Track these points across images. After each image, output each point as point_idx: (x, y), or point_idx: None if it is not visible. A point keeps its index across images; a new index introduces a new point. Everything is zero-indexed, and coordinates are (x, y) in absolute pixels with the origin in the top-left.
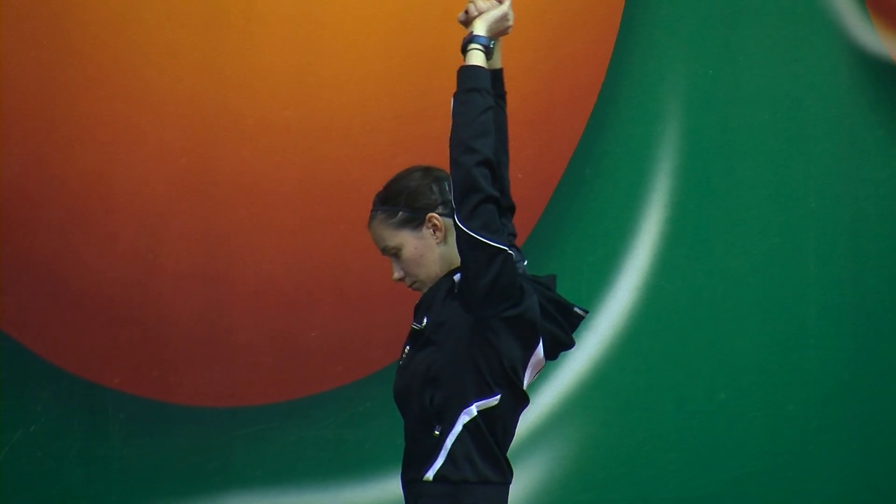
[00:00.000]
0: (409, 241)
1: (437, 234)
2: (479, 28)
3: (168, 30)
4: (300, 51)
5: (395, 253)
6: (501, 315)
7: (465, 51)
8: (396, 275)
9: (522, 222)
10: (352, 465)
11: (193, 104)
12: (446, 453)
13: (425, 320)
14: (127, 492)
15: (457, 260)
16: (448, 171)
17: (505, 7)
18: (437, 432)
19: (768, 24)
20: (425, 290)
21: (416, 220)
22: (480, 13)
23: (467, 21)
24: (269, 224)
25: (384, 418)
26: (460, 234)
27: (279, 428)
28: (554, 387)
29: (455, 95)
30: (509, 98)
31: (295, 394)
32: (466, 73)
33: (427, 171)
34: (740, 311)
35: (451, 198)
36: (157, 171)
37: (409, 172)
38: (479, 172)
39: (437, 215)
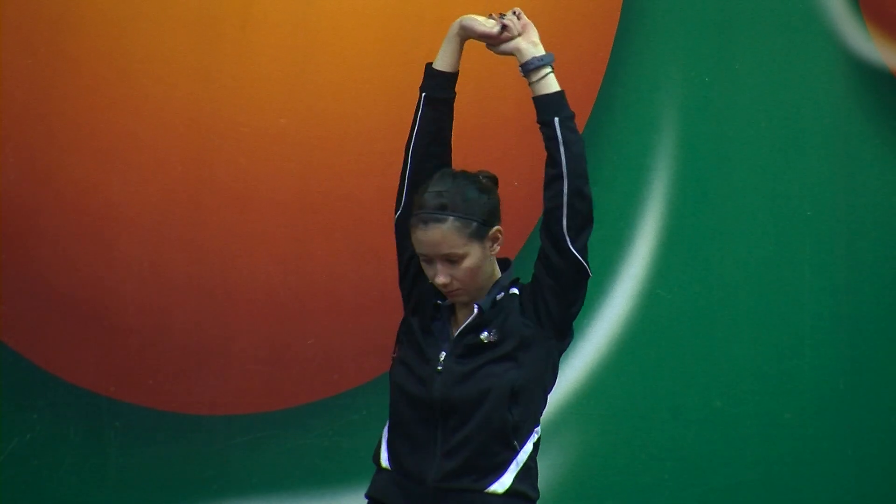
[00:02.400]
0: (476, 252)
1: (496, 246)
2: (540, 47)
3: (164, 38)
4: (295, 59)
5: (454, 260)
6: (573, 337)
7: (535, 75)
8: (443, 279)
9: (519, 230)
10: (347, 474)
11: (189, 112)
12: (518, 468)
13: (493, 333)
14: (122, 500)
15: (496, 272)
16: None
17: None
18: (515, 444)
19: (764, 32)
20: (465, 298)
21: (485, 231)
22: (520, 33)
23: (501, 40)
24: (264, 232)
25: (379, 426)
26: (571, 263)
27: (274, 436)
28: (549, 395)
29: (561, 121)
30: (506, 104)
31: (290, 402)
32: (564, 100)
33: (485, 179)
34: (736, 319)
35: (567, 226)
36: (153, 179)
37: (474, 179)
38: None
39: (500, 228)
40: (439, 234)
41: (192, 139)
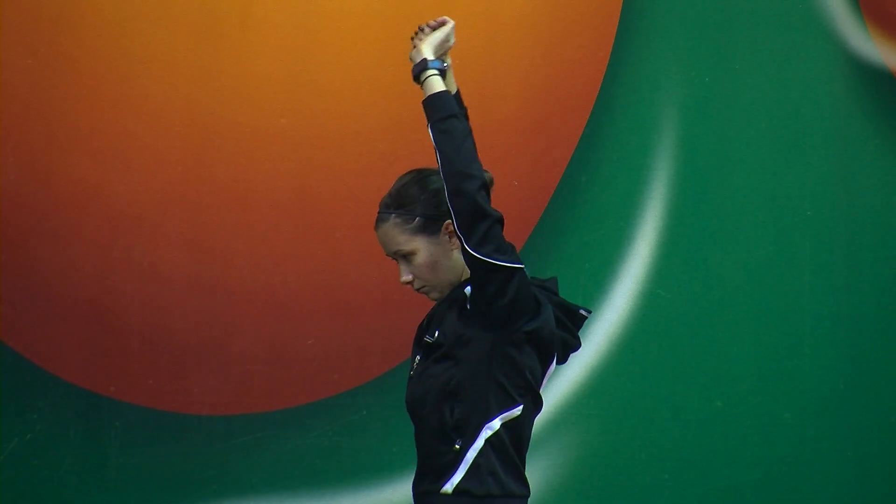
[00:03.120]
0: (425, 247)
1: (453, 240)
2: (427, 52)
3: (163, 39)
4: (295, 59)
5: (406, 257)
6: (523, 329)
7: (420, 80)
8: (405, 278)
9: (519, 230)
10: (347, 474)
11: (189, 112)
12: (467, 467)
13: (437, 333)
14: (122, 500)
15: (467, 269)
16: None
17: (448, 28)
18: (457, 446)
19: (764, 32)
20: (435, 295)
21: (433, 226)
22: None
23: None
24: (264, 232)
25: (379, 427)
26: (474, 261)
27: (275, 436)
28: (550, 395)
29: (433, 125)
30: (506, 104)
31: (290, 402)
32: (438, 102)
33: (431, 177)
34: (736, 319)
35: (456, 226)
36: (153, 179)
37: (422, 176)
38: (482, 197)
39: (452, 221)
40: (383, 232)
41: (192, 139)
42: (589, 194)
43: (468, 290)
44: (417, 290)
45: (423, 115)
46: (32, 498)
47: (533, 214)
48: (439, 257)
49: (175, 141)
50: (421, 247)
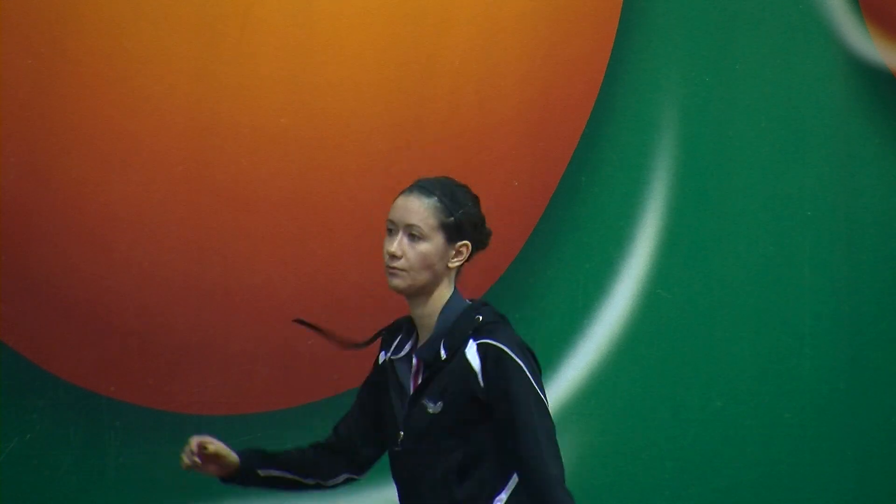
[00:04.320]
0: (437, 242)
1: (456, 259)
2: None
3: (164, 38)
4: (295, 59)
5: (415, 236)
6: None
7: None
8: (395, 248)
9: (519, 230)
10: None
11: (189, 112)
12: None
13: (440, 404)
14: (122, 500)
15: (444, 297)
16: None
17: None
18: None
19: (764, 32)
20: (400, 283)
21: (455, 235)
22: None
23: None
24: (264, 232)
25: None
26: None
27: (275, 436)
28: (550, 395)
29: None
30: (506, 105)
31: (291, 402)
32: None
33: (479, 203)
34: (736, 319)
35: None
36: (153, 179)
37: (469, 191)
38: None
39: (469, 246)
40: (416, 204)
41: (192, 139)
42: (589, 194)
43: (475, 363)
44: (393, 267)
45: (423, 114)
46: (32, 498)
47: (533, 214)
48: (437, 261)
49: (175, 141)
50: (435, 240)
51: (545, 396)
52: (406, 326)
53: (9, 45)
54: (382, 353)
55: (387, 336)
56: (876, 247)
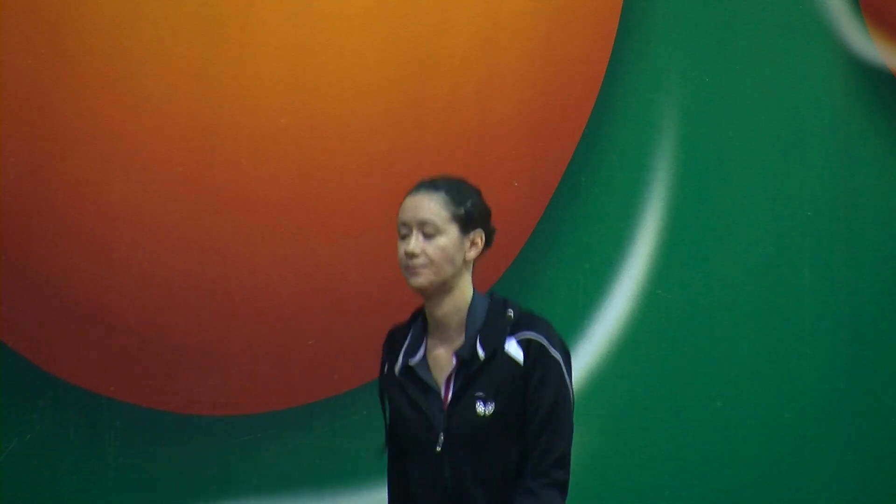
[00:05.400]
0: (452, 234)
1: (472, 249)
2: None
3: (164, 39)
4: (296, 59)
5: (428, 232)
6: None
7: None
8: (414, 247)
9: (519, 230)
10: (347, 474)
11: (189, 112)
12: None
13: (492, 405)
14: (122, 500)
15: (468, 290)
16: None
17: None
18: None
19: (765, 33)
20: (422, 281)
21: (468, 226)
22: None
23: None
24: (264, 232)
25: (379, 427)
26: None
27: (275, 436)
28: None
29: None
30: (507, 104)
31: (291, 402)
32: None
33: (481, 194)
34: (736, 320)
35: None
36: (153, 179)
37: (470, 185)
38: None
39: (482, 236)
40: (426, 201)
41: (192, 139)
42: (589, 194)
43: (517, 355)
44: (413, 265)
45: (423, 114)
46: (32, 498)
47: (533, 214)
48: (455, 253)
49: (175, 141)
50: (451, 232)
51: (573, 394)
52: (415, 329)
53: (9, 45)
54: (400, 358)
55: (389, 342)
56: (876, 247)
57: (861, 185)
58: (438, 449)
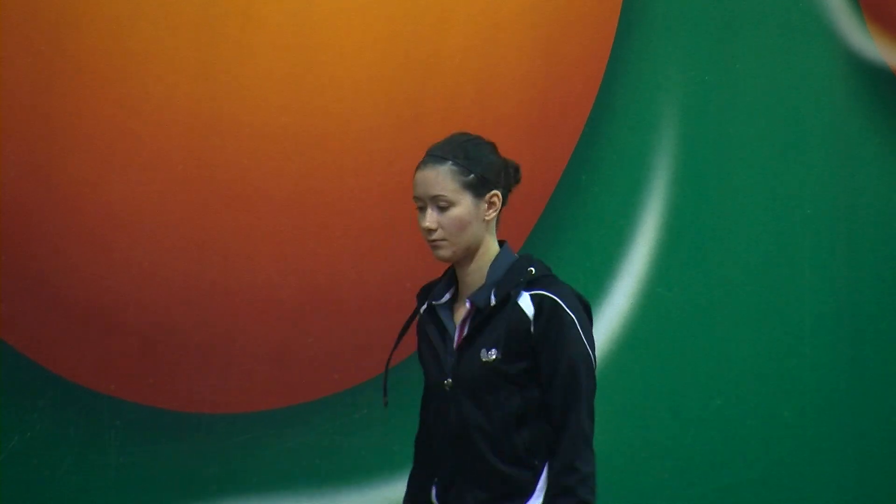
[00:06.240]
0: (467, 204)
1: (491, 210)
2: None
3: (165, 38)
4: (296, 58)
5: (442, 206)
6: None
7: None
8: (430, 223)
9: (519, 228)
10: (348, 472)
11: (190, 111)
12: (543, 491)
13: (494, 351)
14: (123, 498)
15: (492, 247)
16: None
17: None
18: (536, 462)
19: (765, 31)
20: (445, 253)
21: (482, 189)
22: None
23: None
24: (265, 231)
25: (380, 425)
26: None
27: (275, 435)
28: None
29: None
30: (506, 104)
31: (291, 401)
32: None
33: (496, 148)
34: (736, 318)
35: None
36: (154, 178)
37: (481, 141)
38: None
39: (499, 194)
40: (433, 174)
41: (192, 138)
42: (589, 193)
43: (529, 311)
44: (433, 240)
45: (423, 113)
46: (33, 496)
47: (533, 213)
48: (472, 219)
49: (176, 140)
50: (463, 201)
51: (594, 354)
52: (445, 278)
53: (9, 44)
54: (425, 304)
55: (422, 292)
56: (876, 246)
57: (861, 184)
58: (447, 391)
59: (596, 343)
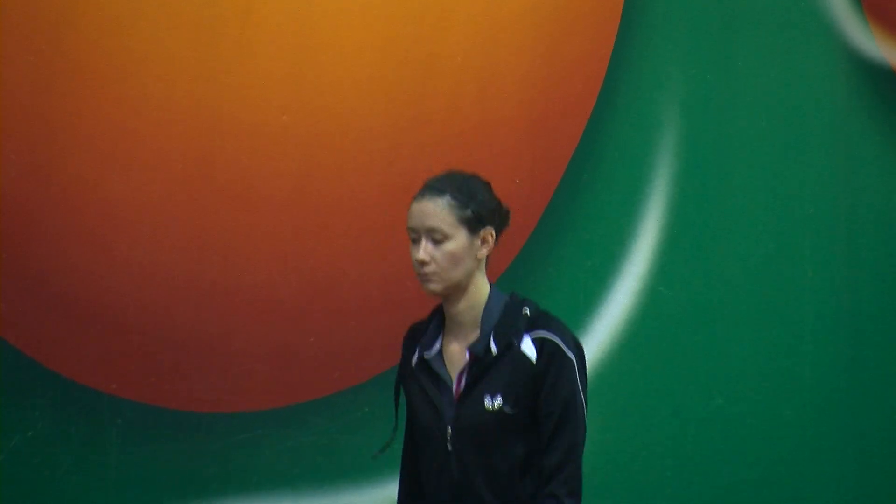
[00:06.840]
0: (461, 239)
1: (484, 248)
2: None
3: (165, 37)
4: (296, 57)
5: (438, 239)
6: None
7: None
8: (423, 255)
9: (521, 228)
10: (348, 471)
11: (190, 111)
12: None
13: (501, 400)
14: (124, 498)
15: (483, 286)
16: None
17: None
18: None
19: (766, 30)
20: (435, 287)
21: (477, 226)
22: None
23: None
24: (265, 230)
25: (380, 424)
26: None
27: (276, 434)
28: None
29: None
30: (507, 103)
31: (291, 400)
32: None
33: (491, 188)
34: (737, 317)
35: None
36: (154, 177)
37: (477, 180)
38: None
39: (493, 232)
40: (431, 207)
41: (192, 138)
42: (590, 192)
43: (530, 353)
44: (425, 273)
45: (424, 113)
46: (33, 495)
47: (535, 212)
48: (465, 255)
49: (176, 139)
50: (458, 236)
51: (586, 399)
52: (434, 323)
53: (9, 44)
54: (416, 351)
55: (409, 338)
56: (876, 245)
57: (862, 183)
58: (448, 442)
59: (596, 343)
